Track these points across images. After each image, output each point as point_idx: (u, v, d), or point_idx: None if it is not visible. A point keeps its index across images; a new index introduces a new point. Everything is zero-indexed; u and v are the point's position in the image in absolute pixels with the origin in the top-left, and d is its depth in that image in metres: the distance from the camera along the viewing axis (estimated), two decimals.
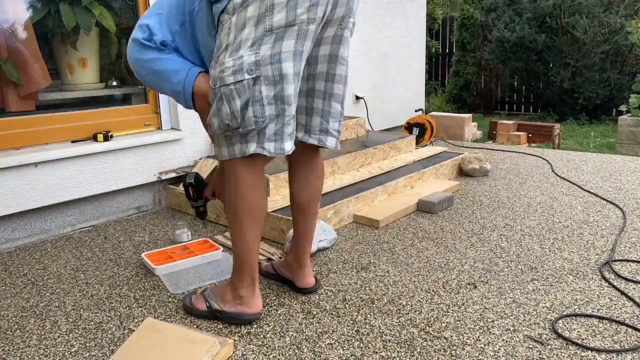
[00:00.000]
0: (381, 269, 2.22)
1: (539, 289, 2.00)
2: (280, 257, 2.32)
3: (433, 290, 2.01)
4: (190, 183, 1.97)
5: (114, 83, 3.29)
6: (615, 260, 2.23)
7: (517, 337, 1.68)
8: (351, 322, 1.80)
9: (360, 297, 1.97)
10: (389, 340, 1.68)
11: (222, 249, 2.42)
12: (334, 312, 1.87)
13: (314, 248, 2.34)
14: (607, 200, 3.07)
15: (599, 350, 1.59)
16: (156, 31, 1.59)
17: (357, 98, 4.55)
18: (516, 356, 1.57)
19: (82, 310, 1.95)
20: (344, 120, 4.08)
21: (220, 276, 2.18)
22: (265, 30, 1.44)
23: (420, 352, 1.61)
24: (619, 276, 2.08)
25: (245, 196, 1.59)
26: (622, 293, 1.94)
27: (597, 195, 3.18)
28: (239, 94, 1.47)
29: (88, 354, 1.66)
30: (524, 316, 1.80)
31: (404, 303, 1.92)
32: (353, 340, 1.68)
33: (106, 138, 2.87)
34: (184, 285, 2.10)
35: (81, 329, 1.81)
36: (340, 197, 2.84)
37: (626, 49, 7.71)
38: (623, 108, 6.41)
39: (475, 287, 2.03)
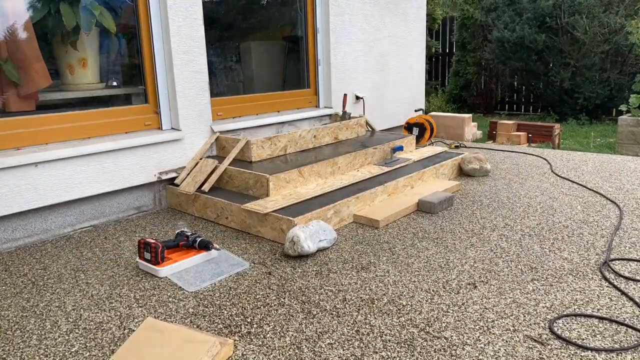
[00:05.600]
0: (381, 269, 2.22)
1: (539, 289, 2.00)
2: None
3: (433, 290, 2.01)
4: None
5: (114, 83, 3.29)
6: (615, 260, 2.23)
7: (517, 337, 1.68)
8: (351, 322, 1.80)
9: (360, 297, 1.97)
10: (389, 340, 1.68)
11: (219, 247, 2.42)
12: (334, 312, 1.87)
13: (314, 248, 2.34)
14: (607, 198, 3.07)
15: (598, 350, 1.59)
16: None
17: (357, 98, 4.55)
18: (516, 356, 1.58)
19: (82, 310, 1.95)
20: (345, 120, 4.09)
21: (220, 275, 2.18)
22: None
23: (420, 352, 1.61)
24: (619, 275, 2.08)
25: None
26: (622, 293, 1.94)
27: (598, 193, 3.17)
28: None
29: (88, 353, 1.66)
30: (524, 316, 1.80)
31: (404, 303, 1.92)
32: (353, 340, 1.69)
33: None
34: (194, 283, 2.11)
35: (81, 329, 1.81)
36: (341, 197, 2.84)
37: (626, 49, 7.70)
38: (623, 108, 6.41)
39: (475, 287, 2.03)
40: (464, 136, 5.58)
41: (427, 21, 5.74)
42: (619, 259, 2.24)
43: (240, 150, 3.23)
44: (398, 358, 1.58)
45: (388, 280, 2.11)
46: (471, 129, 5.89)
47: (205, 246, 2.32)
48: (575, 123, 8.01)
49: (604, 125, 7.82)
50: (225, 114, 3.66)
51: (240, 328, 1.78)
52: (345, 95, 4.27)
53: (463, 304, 1.90)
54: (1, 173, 2.49)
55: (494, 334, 1.70)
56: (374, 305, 1.91)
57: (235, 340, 1.70)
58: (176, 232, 2.43)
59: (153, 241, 2.23)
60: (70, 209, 2.83)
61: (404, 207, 2.92)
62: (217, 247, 2.36)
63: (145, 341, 1.61)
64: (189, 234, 2.37)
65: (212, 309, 1.92)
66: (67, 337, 1.76)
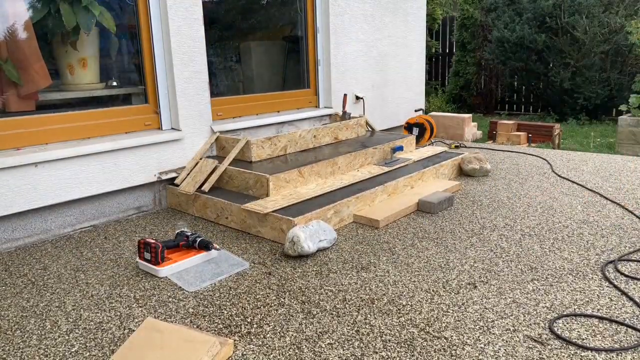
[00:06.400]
0: (381, 269, 2.22)
1: (539, 289, 2.00)
2: None
3: (433, 290, 2.01)
4: None
5: (114, 83, 3.29)
6: (615, 260, 2.23)
7: (517, 337, 1.68)
8: (351, 322, 1.80)
9: (360, 297, 1.97)
10: (389, 340, 1.68)
11: (219, 247, 2.42)
12: (334, 312, 1.87)
13: (314, 248, 2.34)
14: (607, 198, 3.07)
15: (598, 350, 1.59)
16: None
17: (357, 98, 4.55)
18: (516, 356, 1.58)
19: (82, 310, 1.95)
20: (345, 120, 4.08)
21: (220, 275, 2.18)
22: None
23: (420, 352, 1.61)
24: (620, 274, 2.08)
25: None
26: (623, 292, 1.94)
27: (597, 193, 3.17)
28: None
29: (88, 353, 1.66)
30: (524, 316, 1.80)
31: (404, 303, 1.92)
32: (353, 340, 1.69)
33: None
34: (195, 283, 2.11)
35: (81, 329, 1.81)
36: (340, 197, 2.84)
37: (626, 49, 7.70)
38: (623, 108, 6.41)
39: (475, 287, 2.03)
40: (464, 136, 5.58)
41: (427, 21, 5.74)
42: (619, 259, 2.24)
43: (240, 150, 3.24)
44: (398, 358, 1.58)
45: (388, 280, 2.11)
46: (471, 129, 5.89)
47: (205, 246, 2.32)
48: (575, 123, 8.01)
49: (604, 125, 7.82)
50: (225, 114, 3.66)
51: (240, 328, 1.78)
52: (345, 95, 4.27)
53: (463, 304, 1.90)
54: (1, 173, 2.49)
55: (494, 334, 1.70)
56: (374, 305, 1.91)
57: (235, 340, 1.70)
58: (176, 232, 2.43)
59: (153, 241, 2.23)
60: (70, 209, 2.83)
61: (404, 207, 2.92)
62: (217, 247, 2.36)
63: (145, 341, 1.61)
64: (189, 234, 2.37)
65: (212, 309, 1.92)
66: (67, 337, 1.76)
